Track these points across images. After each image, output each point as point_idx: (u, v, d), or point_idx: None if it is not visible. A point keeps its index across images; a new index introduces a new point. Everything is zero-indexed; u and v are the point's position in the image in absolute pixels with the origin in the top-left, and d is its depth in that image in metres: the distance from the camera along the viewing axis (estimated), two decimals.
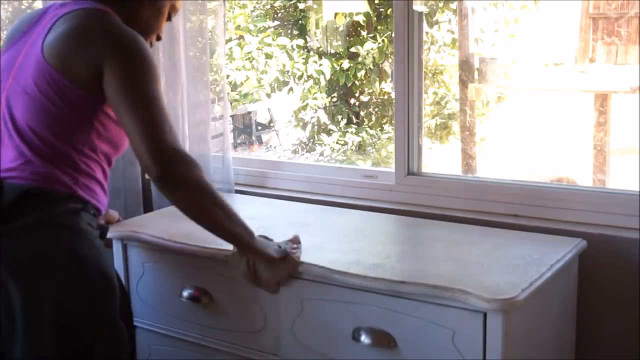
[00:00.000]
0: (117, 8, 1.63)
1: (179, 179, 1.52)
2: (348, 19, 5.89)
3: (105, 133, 1.60)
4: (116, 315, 1.57)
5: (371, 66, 5.90)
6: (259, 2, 6.49)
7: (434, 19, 5.70)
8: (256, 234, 1.75)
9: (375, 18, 5.90)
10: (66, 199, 1.53)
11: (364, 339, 1.60)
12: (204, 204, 1.56)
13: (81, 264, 1.51)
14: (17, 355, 1.48)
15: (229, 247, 1.74)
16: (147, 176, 1.72)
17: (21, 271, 1.48)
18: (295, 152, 6.50)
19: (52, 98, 1.52)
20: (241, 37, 6.13)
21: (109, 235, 1.79)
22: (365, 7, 5.70)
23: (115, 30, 1.56)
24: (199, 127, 2.39)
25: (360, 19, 5.85)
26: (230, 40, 5.95)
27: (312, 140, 6.36)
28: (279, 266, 1.66)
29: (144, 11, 1.68)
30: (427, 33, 5.51)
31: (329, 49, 6.07)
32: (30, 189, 1.50)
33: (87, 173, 1.57)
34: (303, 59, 6.01)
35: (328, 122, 6.27)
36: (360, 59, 5.92)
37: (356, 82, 6.07)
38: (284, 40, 6.07)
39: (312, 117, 6.35)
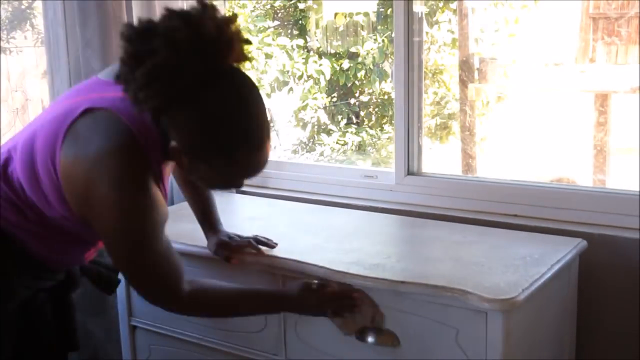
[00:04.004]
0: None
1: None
2: (348, 19, 5.89)
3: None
4: None
5: (371, 66, 5.89)
6: (259, 2, 6.47)
7: (434, 19, 5.68)
8: (253, 233, 1.74)
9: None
10: None
11: (368, 337, 1.60)
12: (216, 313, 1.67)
13: None
14: None
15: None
16: None
17: None
18: (295, 152, 6.48)
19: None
20: None
21: None
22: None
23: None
24: None
25: (360, 18, 5.85)
26: None
27: (312, 140, 6.35)
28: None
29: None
30: (427, 33, 5.50)
31: (329, 49, 6.06)
32: None
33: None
34: (303, 59, 6.00)
35: (328, 122, 6.26)
36: (360, 59, 5.92)
37: (356, 82, 6.06)
38: (284, 40, 6.06)
39: (312, 117, 6.33)
